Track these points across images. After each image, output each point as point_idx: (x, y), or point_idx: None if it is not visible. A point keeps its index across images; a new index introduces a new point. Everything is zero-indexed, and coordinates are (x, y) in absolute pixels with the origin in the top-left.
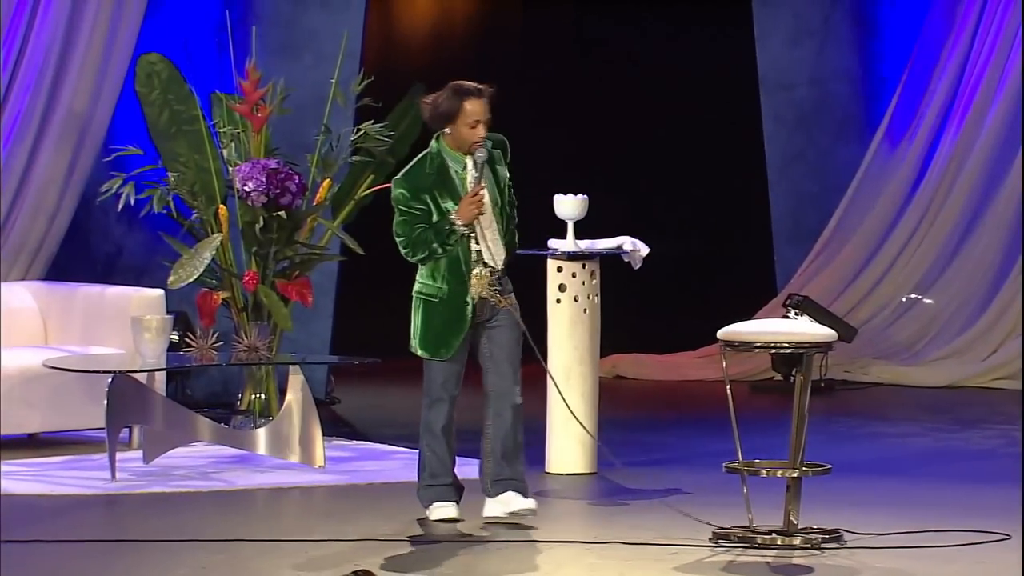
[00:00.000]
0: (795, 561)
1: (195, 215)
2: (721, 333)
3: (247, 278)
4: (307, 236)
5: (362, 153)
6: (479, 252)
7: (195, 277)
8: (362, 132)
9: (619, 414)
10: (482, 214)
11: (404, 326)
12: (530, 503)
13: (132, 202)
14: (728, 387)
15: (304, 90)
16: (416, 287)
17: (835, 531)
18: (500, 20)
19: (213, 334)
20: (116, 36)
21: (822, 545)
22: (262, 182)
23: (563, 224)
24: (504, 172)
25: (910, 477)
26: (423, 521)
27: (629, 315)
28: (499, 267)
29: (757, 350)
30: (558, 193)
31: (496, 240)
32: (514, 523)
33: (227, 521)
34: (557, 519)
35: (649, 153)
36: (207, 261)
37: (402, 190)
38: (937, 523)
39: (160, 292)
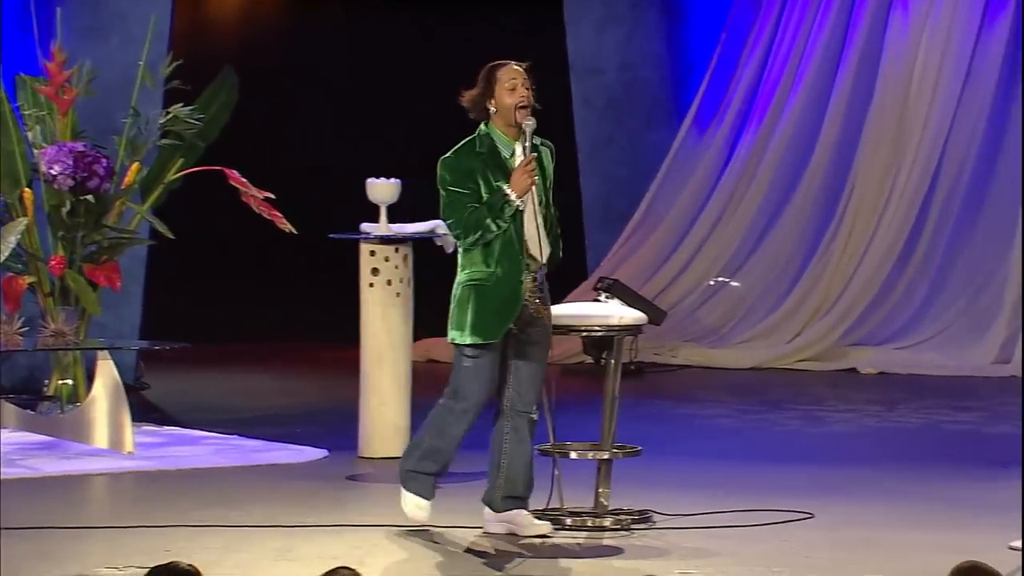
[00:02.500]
0: (606, 542)
1: None
2: None
3: (54, 262)
4: (115, 220)
5: (171, 136)
6: (525, 241)
7: None
8: (171, 115)
9: (433, 398)
10: (535, 184)
11: (214, 311)
12: (546, 526)
13: None
14: None
15: (112, 72)
16: (464, 277)
17: (645, 512)
18: (313, 4)
19: (19, 319)
20: None
21: (632, 526)
22: (69, 165)
23: (376, 208)
24: (551, 172)
25: (718, 458)
26: (232, 506)
27: (442, 299)
28: (542, 262)
29: (568, 333)
30: (370, 177)
31: (541, 233)
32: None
33: (34, 509)
34: (370, 503)
35: (462, 138)
36: (12, 245)
37: (447, 171)
38: (743, 503)
39: None
